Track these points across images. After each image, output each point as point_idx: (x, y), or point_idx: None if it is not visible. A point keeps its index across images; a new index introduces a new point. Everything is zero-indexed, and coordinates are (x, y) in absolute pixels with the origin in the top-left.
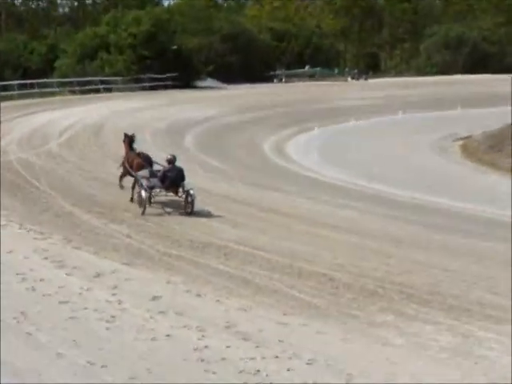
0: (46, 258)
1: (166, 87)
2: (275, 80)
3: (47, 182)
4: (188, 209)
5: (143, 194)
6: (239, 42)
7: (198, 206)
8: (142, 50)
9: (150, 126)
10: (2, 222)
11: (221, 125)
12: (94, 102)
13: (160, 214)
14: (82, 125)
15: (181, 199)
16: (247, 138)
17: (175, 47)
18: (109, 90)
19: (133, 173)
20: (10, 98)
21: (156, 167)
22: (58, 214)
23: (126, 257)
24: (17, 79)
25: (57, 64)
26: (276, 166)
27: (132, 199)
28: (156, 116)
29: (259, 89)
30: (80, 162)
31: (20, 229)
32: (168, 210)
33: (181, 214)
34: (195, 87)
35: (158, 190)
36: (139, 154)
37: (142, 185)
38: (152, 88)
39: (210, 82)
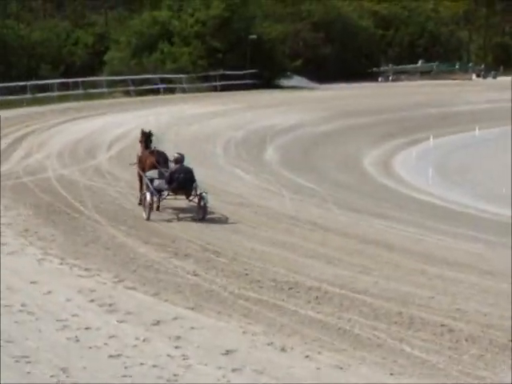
0: (92, 301)
1: (242, 87)
2: (380, 78)
3: (94, 206)
4: (200, 214)
5: (148, 197)
6: (334, 30)
7: (280, 235)
8: (212, 41)
9: (222, 137)
10: (39, 256)
11: (311, 134)
12: (153, 106)
13: (237, 246)
14: (137, 134)
15: (194, 203)
16: (344, 151)
17: (254, 37)
18: (171, 91)
19: (142, 174)
20: (49, 100)
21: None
22: (108, 245)
23: (191, 300)
24: (57, 77)
25: (107, 58)
26: (380, 186)
27: (140, 202)
28: (230, 123)
29: (359, 89)
30: (135, 180)
31: (61, 264)
32: (182, 215)
33: (193, 219)
34: (279, 87)
35: (166, 194)
36: (153, 152)
37: (148, 187)
38: (225, 88)
39: (297, 80)
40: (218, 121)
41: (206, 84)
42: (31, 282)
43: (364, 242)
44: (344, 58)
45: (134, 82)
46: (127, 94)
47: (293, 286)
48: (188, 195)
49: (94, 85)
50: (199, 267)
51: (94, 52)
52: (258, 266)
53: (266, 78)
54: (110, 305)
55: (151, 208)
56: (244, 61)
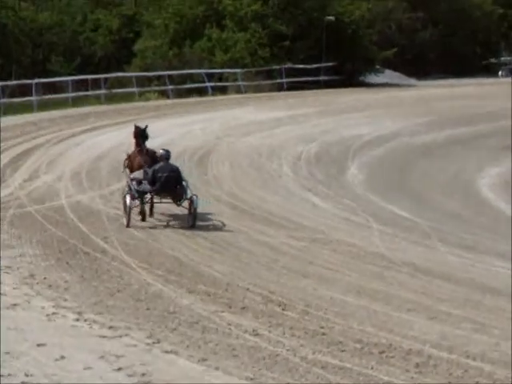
0: (119, 370)
1: (315, 85)
2: (501, 72)
3: (121, 243)
4: (190, 222)
5: (128, 200)
6: (437, 7)
7: (368, 281)
8: (276, 24)
9: (290, 151)
10: (48, 310)
11: (407, 147)
12: (198, 111)
13: (310, 296)
14: (178, 150)
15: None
16: (451, 169)
17: (331, 18)
18: (222, 91)
19: (127, 175)
20: (62, 103)
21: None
22: (140, 295)
23: (250, 368)
24: (72, 73)
25: (137, 48)
26: (501, 216)
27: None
28: (300, 134)
29: (472, 87)
30: (173, 208)
31: (77, 320)
32: (173, 223)
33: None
34: (364, 84)
35: (149, 197)
36: (141, 151)
37: (130, 189)
38: (293, 87)
39: (388, 75)
40: (285, 130)
41: (268, 81)
42: (38, 345)
43: (480, 291)
44: (450, 45)
45: (174, 80)
46: (164, 94)
47: (385, 349)
48: (175, 198)
49: (121, 83)
50: (260, 324)
51: (121, 40)
52: (338, 322)
53: (348, 73)
54: (143, 374)
55: (130, 214)
56: (319, 50)
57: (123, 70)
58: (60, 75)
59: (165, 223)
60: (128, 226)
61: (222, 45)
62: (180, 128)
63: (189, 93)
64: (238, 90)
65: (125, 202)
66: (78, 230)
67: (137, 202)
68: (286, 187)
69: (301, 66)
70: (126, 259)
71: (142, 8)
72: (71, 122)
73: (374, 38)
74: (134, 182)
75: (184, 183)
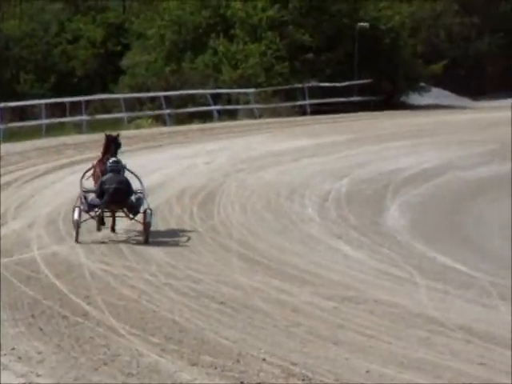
0: None
1: (346, 108)
2: None
3: (108, 305)
4: (143, 236)
5: (76, 214)
6: (497, 11)
7: (413, 349)
8: (296, 32)
9: (315, 189)
10: None
11: (461, 184)
12: (201, 140)
13: (341, 368)
14: (175, 185)
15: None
16: None
17: (365, 25)
18: (231, 116)
19: (80, 186)
20: (33, 132)
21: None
22: (131, 368)
23: None
24: (46, 95)
25: (126, 63)
26: None
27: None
28: (328, 167)
29: None
30: (176, 261)
31: None
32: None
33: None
34: (407, 106)
35: (99, 210)
36: (102, 160)
37: (82, 202)
38: (318, 110)
39: (436, 94)
40: (309, 163)
41: (287, 103)
42: None
43: None
44: None
45: (171, 102)
46: (159, 120)
47: None
48: (127, 212)
49: (106, 107)
50: None
51: (106, 54)
52: None
53: (386, 93)
54: None
55: (77, 228)
56: (349, 65)
57: (109, 91)
58: (31, 98)
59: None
60: (76, 240)
61: (230, 59)
62: (179, 162)
63: (190, 118)
64: (251, 115)
65: (73, 216)
66: (55, 288)
67: (86, 215)
68: (310, 234)
69: (328, 84)
70: (114, 324)
71: (132, 15)
72: (45, 155)
73: (419, 48)
74: (87, 195)
75: (140, 195)
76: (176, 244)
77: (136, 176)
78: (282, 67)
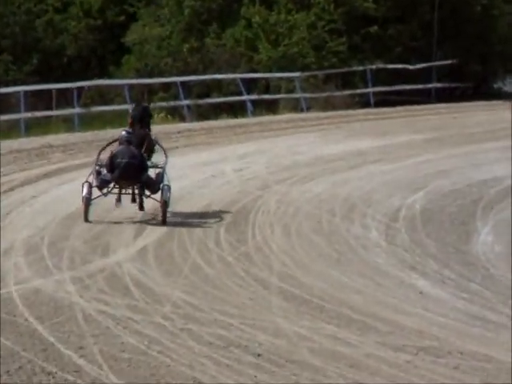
0: None
1: (422, 97)
2: None
3: (107, 357)
4: (160, 216)
5: (85, 190)
6: None
7: None
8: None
9: (381, 205)
10: None
11: None
12: (230, 141)
13: None
14: (196, 201)
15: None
16: None
17: None
18: (269, 108)
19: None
20: (9, 129)
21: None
22: None
23: None
24: (26, 80)
25: (131, 39)
26: None
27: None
28: (397, 176)
29: None
30: (193, 299)
31: None
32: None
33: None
34: (503, 95)
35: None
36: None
37: (95, 177)
38: (385, 100)
39: None
40: (372, 171)
41: (344, 92)
42: None
43: None
44: None
45: (191, 91)
46: (175, 114)
47: None
48: (140, 190)
49: (105, 96)
50: None
51: (105, 26)
52: None
53: (476, 78)
54: None
55: (86, 206)
56: (427, 41)
57: (109, 76)
58: (7, 84)
59: None
60: (86, 219)
61: (269, 33)
62: (201, 169)
63: (216, 112)
64: (296, 107)
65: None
66: (37, 336)
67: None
68: (374, 265)
69: (398, 65)
70: (115, 383)
71: None
72: (25, 159)
73: None
74: (100, 169)
75: (160, 170)
76: (197, 278)
77: (160, 146)
78: (337, 44)
